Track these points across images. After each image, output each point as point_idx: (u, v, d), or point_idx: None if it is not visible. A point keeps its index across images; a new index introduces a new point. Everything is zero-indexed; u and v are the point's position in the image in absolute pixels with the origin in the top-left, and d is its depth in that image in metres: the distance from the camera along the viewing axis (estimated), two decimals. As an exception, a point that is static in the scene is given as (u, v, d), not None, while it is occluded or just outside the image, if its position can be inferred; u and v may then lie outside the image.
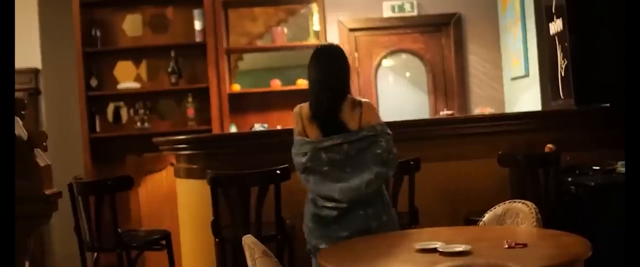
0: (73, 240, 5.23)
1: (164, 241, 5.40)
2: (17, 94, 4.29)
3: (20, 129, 2.91)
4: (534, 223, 3.77)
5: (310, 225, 4.22)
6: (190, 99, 7.93)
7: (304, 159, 4.19)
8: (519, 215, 3.92)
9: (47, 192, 2.93)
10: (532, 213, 3.83)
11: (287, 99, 8.23)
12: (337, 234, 4.07)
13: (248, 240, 3.24)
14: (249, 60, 8.71)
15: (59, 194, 3.03)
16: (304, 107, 4.27)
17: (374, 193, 4.15)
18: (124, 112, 8.02)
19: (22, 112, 2.98)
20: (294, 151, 4.28)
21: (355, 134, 4.14)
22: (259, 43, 8.43)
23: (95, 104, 7.91)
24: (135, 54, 8.08)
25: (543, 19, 6.51)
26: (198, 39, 7.98)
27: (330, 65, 4.25)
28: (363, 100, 4.28)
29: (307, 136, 4.22)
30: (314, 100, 4.24)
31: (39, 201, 2.88)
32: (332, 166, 4.14)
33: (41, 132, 2.98)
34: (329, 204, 4.13)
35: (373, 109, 4.30)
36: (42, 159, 2.95)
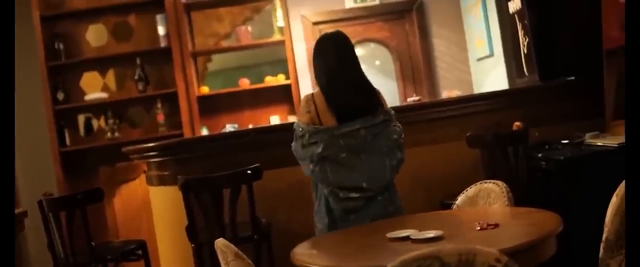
0: (48, 257, 5.19)
1: (139, 250, 5.37)
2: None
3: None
4: (506, 202, 3.78)
5: (327, 221, 4.19)
6: (159, 105, 7.89)
7: (319, 149, 4.14)
8: (491, 195, 3.93)
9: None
10: (503, 192, 3.84)
11: (257, 98, 8.24)
12: (358, 224, 4.09)
13: (220, 243, 3.23)
14: (218, 61, 8.68)
15: (24, 214, 3.01)
16: (316, 95, 4.23)
17: None
18: (93, 123, 7.97)
19: None
20: (301, 141, 4.20)
21: (372, 119, 4.20)
22: (224, 43, 8.40)
23: (63, 117, 7.84)
24: (100, 64, 8.02)
25: (502, -2, 6.55)
26: (163, 44, 7.94)
27: (344, 51, 4.32)
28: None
29: (321, 124, 4.18)
30: (331, 87, 4.23)
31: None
32: (349, 152, 4.14)
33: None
34: (355, 194, 4.14)
35: (381, 95, 4.38)
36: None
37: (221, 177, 4.78)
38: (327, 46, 4.32)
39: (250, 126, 8.00)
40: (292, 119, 7.97)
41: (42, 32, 7.69)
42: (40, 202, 4.94)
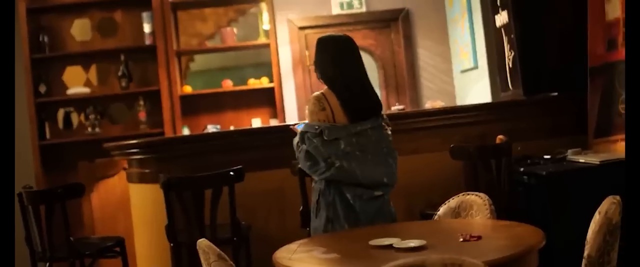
0: (25, 250, 5.15)
1: (117, 247, 5.34)
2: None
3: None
4: (488, 215, 3.79)
5: (345, 225, 4.18)
6: (141, 103, 7.87)
7: (342, 145, 4.15)
8: (473, 207, 3.94)
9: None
10: (485, 205, 3.85)
11: (239, 99, 8.23)
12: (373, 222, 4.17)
13: (203, 244, 3.21)
14: (201, 61, 8.66)
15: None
16: (327, 94, 4.22)
17: None
18: (74, 118, 7.93)
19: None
20: (320, 139, 4.15)
21: (377, 120, 4.30)
22: (209, 44, 8.38)
23: (44, 110, 7.81)
24: (84, 58, 8.00)
25: (489, 11, 6.56)
26: (147, 41, 7.93)
27: (358, 53, 4.45)
28: None
29: (335, 122, 4.19)
30: (348, 88, 4.26)
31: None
32: (361, 151, 4.18)
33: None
34: (378, 192, 4.21)
35: None
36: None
37: (203, 178, 4.76)
38: (346, 48, 4.39)
39: (232, 128, 7.99)
40: (274, 122, 7.97)
41: (27, 24, 7.64)
42: (19, 195, 4.90)
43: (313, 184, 4.33)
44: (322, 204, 4.22)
